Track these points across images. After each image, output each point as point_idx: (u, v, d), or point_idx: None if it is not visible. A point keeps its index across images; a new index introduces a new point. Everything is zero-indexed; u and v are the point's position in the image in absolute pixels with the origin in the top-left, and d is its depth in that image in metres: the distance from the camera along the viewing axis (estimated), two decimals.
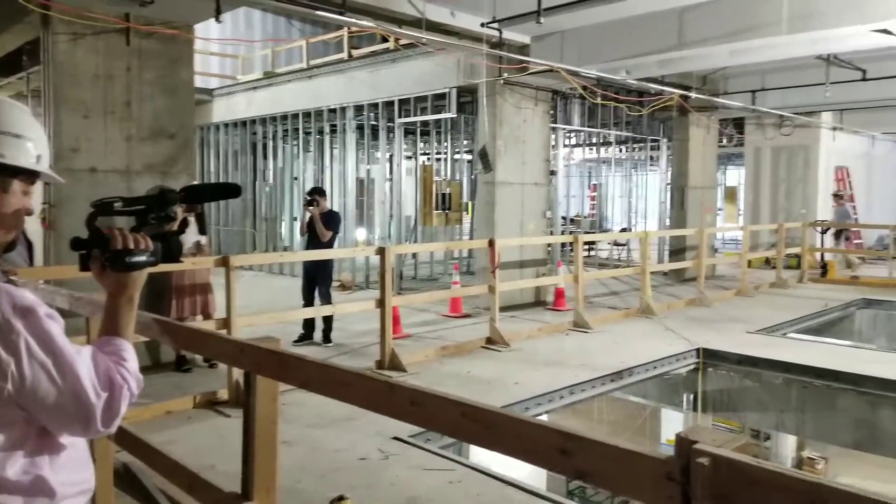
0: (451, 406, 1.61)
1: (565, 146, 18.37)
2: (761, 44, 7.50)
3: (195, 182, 7.89)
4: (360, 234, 13.55)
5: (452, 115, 10.94)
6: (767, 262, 14.92)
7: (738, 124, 17.10)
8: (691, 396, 7.99)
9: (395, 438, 4.77)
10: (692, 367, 7.47)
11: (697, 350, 7.53)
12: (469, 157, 15.42)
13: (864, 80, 11.36)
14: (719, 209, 23.16)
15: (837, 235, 15.38)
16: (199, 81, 12.30)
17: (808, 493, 1.01)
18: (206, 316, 6.56)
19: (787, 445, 12.81)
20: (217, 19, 6.28)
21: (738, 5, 7.37)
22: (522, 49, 9.29)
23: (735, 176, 26.50)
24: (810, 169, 16.32)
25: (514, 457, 1.49)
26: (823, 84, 11.09)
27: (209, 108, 15.40)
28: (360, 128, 12.82)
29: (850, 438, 6.89)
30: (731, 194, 25.43)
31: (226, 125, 15.24)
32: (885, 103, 13.75)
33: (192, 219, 6.67)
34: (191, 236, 6.63)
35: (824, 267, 14.25)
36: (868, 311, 11.53)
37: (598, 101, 10.91)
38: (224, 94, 15.31)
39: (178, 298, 6.48)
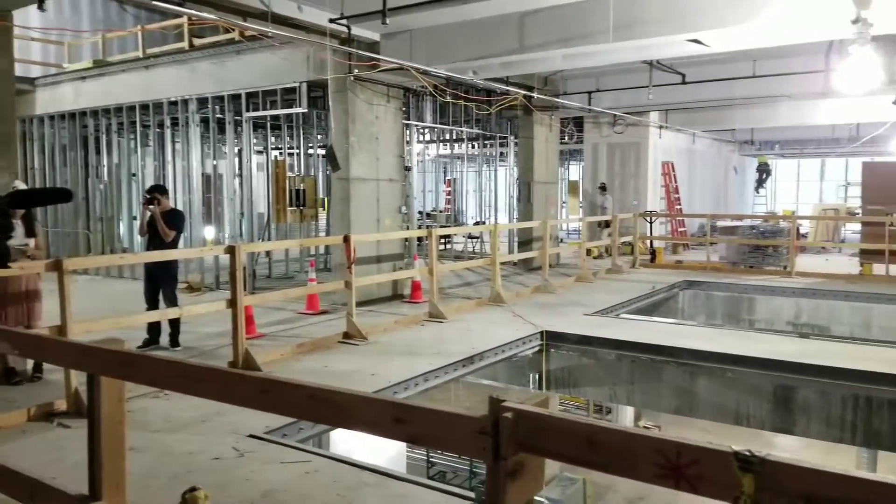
0: (298, 390, 1.74)
1: (419, 142, 18.75)
2: (592, 50, 8.16)
3: (18, 181, 7.29)
4: (209, 232, 13.06)
5: (303, 109, 10.85)
6: (606, 251, 16.18)
7: (578, 123, 18.34)
8: (536, 376, 8.56)
9: (251, 436, 4.77)
10: (537, 348, 8.02)
11: (542, 333, 8.10)
12: (323, 151, 15.33)
13: (683, 83, 12.64)
14: (563, 202, 24.66)
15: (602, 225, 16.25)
16: (19, 69, 11.30)
17: (586, 432, 1.26)
18: (29, 326, 6.09)
19: (626, 416, 13.96)
20: (40, 7, 5.86)
21: (571, 14, 7.97)
22: (372, 46, 9.42)
23: (576, 171, 28.30)
24: (641, 164, 17.85)
25: (358, 430, 1.65)
26: (647, 87, 12.23)
27: (31, 98, 14.16)
28: (204, 121, 12.35)
29: (672, 405, 7.70)
30: (573, 188, 27.11)
31: (51, 117, 14.07)
32: (702, 105, 15.33)
33: (17, 221, 6.18)
34: (17, 240, 6.14)
35: (653, 252, 15.68)
36: (690, 291, 12.84)
37: (448, 99, 11.29)
38: (48, 83, 14.12)
39: (1, 307, 6.01)
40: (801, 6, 6.90)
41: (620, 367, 7.80)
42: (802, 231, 19.60)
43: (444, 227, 17.79)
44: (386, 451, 6.54)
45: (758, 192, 29.11)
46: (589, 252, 13.40)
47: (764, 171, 28.19)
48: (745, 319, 12.50)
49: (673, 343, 7.61)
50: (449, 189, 26.64)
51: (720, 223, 17.92)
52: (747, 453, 1.26)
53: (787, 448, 13.95)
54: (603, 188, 17.38)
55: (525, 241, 14.45)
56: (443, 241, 17.11)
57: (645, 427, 14.00)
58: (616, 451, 1.28)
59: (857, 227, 18.58)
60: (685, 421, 8.39)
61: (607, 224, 15.57)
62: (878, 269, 12.85)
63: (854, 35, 6.66)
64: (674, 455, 1.27)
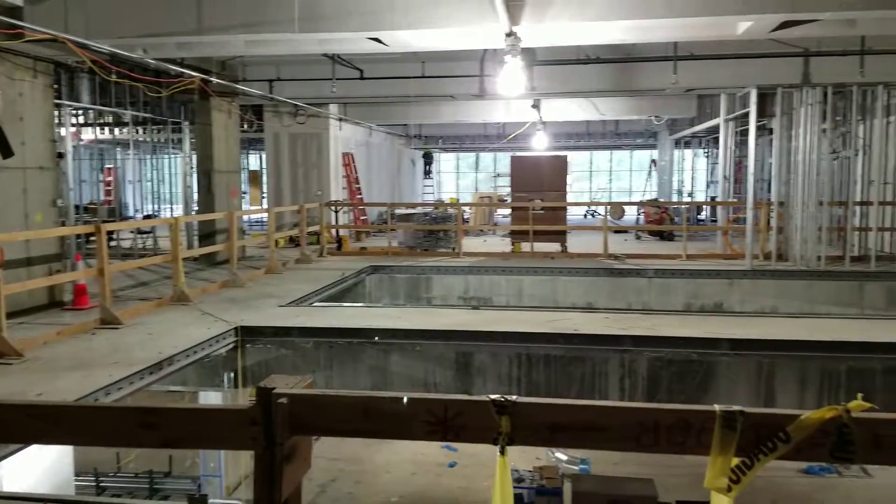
0: (14, 410, 1.50)
1: (73, 126, 16.57)
2: (276, 38, 8.11)
3: None
4: None
5: None
6: (292, 241, 16.25)
7: (258, 111, 18.01)
8: (232, 374, 8.29)
9: None
10: (231, 346, 7.77)
11: (235, 329, 7.86)
12: None
13: (362, 78, 13.26)
14: (244, 192, 24.05)
15: None
16: None
17: (362, 404, 1.35)
18: None
19: None
20: None
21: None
22: (13, 11, 8.06)
23: (256, 160, 27.79)
24: (323, 155, 18.25)
25: (92, 444, 1.48)
26: (331, 79, 12.57)
27: None
28: None
29: (369, 383, 8.12)
30: (254, 178, 26.58)
31: None
32: (379, 100, 16.25)
33: None
34: None
35: (339, 241, 16.22)
36: (375, 275, 13.59)
37: (113, 78, 10.20)
38: None
39: None
40: (464, 18, 7.77)
41: (319, 354, 7.97)
42: (465, 216, 22.05)
43: (108, 221, 16.04)
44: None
45: (428, 178, 31.95)
46: (276, 243, 13.33)
47: (428, 162, 31.15)
48: (424, 297, 13.65)
49: (366, 325, 8.02)
50: (109, 179, 23.98)
51: (397, 211, 19.27)
52: (502, 399, 1.49)
53: None
54: None
55: (207, 233, 13.79)
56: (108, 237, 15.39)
57: None
58: (391, 417, 1.39)
59: (508, 211, 21.58)
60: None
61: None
62: (525, 246, 15.11)
63: (507, 47, 7.74)
64: (442, 411, 1.43)
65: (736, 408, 1.52)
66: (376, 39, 8.28)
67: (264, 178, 24.21)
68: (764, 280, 12.49)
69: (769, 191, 14.37)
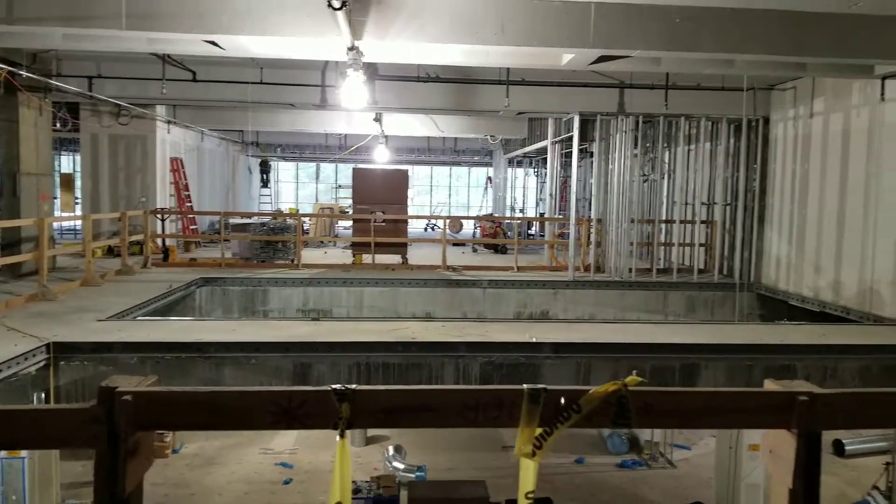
0: None
1: None
2: (98, 34, 7.61)
3: None
4: None
5: None
6: (111, 251, 15.13)
7: (73, 109, 16.59)
8: (42, 395, 7.61)
9: None
10: (42, 363, 7.14)
11: (47, 345, 7.23)
12: None
13: (194, 80, 12.70)
14: (55, 197, 21.97)
15: None
16: None
17: (208, 399, 1.39)
18: None
19: None
20: None
21: None
22: None
23: (69, 163, 25.51)
24: (148, 159, 17.19)
25: None
26: (159, 79, 11.92)
27: None
28: None
29: None
30: (66, 181, 24.36)
31: None
32: (211, 104, 15.63)
33: None
34: None
35: (166, 251, 15.34)
36: (207, 287, 13.02)
37: None
38: None
39: None
40: (306, 28, 7.78)
41: (145, 369, 7.52)
42: (305, 228, 21.76)
43: None
44: None
45: (265, 187, 31.11)
46: (93, 253, 12.35)
47: (265, 170, 30.36)
48: (260, 310, 13.31)
49: (197, 339, 7.70)
50: None
51: (232, 221, 18.60)
52: (342, 388, 1.59)
53: None
54: None
55: (11, 242, 12.43)
56: None
57: (158, 432, 13.66)
58: (236, 411, 1.44)
59: (348, 223, 21.57)
60: None
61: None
62: (367, 258, 15.23)
63: (350, 60, 7.85)
64: (286, 401, 1.51)
65: (540, 386, 1.79)
66: (213, 42, 8.05)
67: (78, 182, 22.30)
68: (584, 290, 13.61)
69: (590, 209, 15.66)
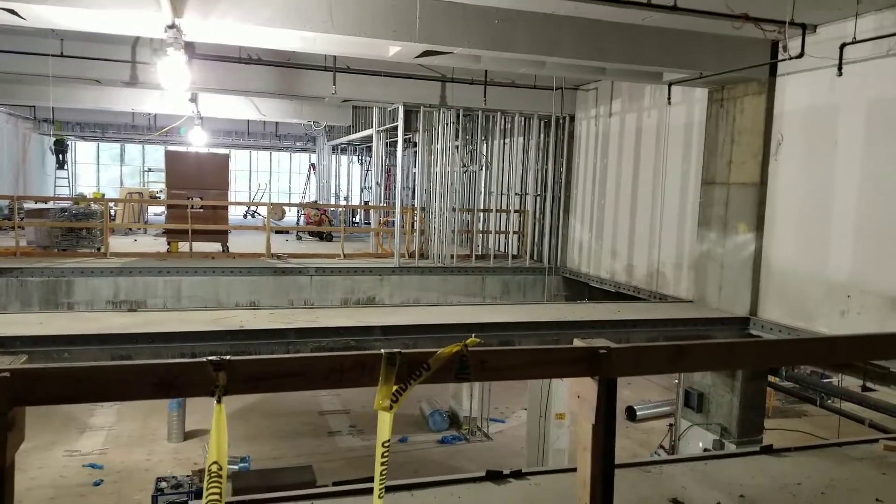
0: None
1: None
2: None
3: None
4: None
5: None
6: None
7: None
8: None
9: None
10: None
11: None
12: None
13: None
14: None
15: None
16: None
17: (87, 373, 1.50)
18: None
19: None
20: None
21: None
22: None
23: None
24: None
25: None
26: None
27: None
28: None
29: None
30: None
31: None
32: (2, 76, 14.07)
33: None
34: None
35: None
36: (1, 279, 11.82)
37: None
38: None
39: None
40: (121, 1, 7.38)
41: None
42: (112, 213, 20.23)
43: None
44: None
45: (62, 169, 28.36)
46: None
47: (61, 150, 27.67)
48: (64, 303, 12.31)
49: (2, 332, 7.11)
50: None
51: (26, 205, 16.83)
52: (217, 358, 1.76)
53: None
54: None
55: None
56: None
57: None
58: (115, 383, 1.55)
59: (160, 209, 20.36)
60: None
61: None
62: (184, 246, 14.59)
63: (170, 38, 7.56)
64: (163, 373, 1.64)
65: (396, 350, 2.10)
66: (11, 11, 7.35)
67: None
68: (409, 276, 14.17)
69: (414, 197, 16.23)
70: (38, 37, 11.96)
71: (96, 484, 11.91)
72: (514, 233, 16.02)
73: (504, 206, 15.89)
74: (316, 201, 27.87)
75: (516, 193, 15.85)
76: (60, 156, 27.79)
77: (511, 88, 14.60)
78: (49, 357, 7.12)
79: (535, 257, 15.93)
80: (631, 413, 15.73)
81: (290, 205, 27.67)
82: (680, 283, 11.90)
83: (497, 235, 16.33)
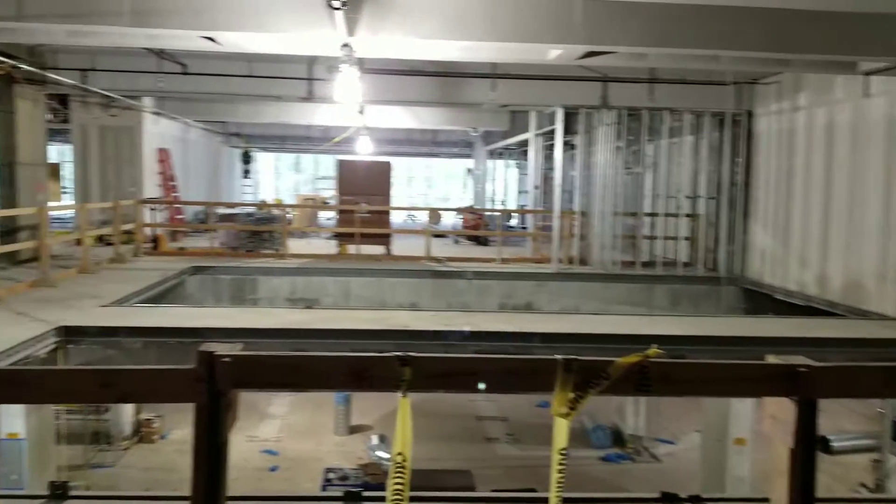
0: None
1: None
2: (102, 30, 7.78)
3: None
4: None
5: None
6: (101, 240, 15.21)
7: (63, 100, 16.61)
8: None
9: None
10: (52, 346, 7.36)
11: (57, 329, 7.45)
12: None
13: (184, 73, 12.84)
14: None
15: None
16: None
17: (292, 361, 1.69)
18: None
19: (126, 413, 13.56)
20: None
21: None
22: None
23: (56, 153, 25.37)
24: (136, 149, 17.27)
25: (55, 403, 1.69)
26: (150, 72, 12.06)
27: None
28: None
29: None
30: (54, 171, 24.25)
31: None
32: (199, 96, 15.74)
33: None
34: None
35: (155, 240, 15.47)
36: (197, 277, 13.20)
37: None
38: None
39: None
40: (301, 24, 8.00)
41: (148, 353, 7.76)
42: (288, 217, 21.88)
43: None
44: None
45: (247, 178, 31.13)
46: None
47: (247, 161, 30.36)
48: (249, 299, 13.50)
49: (199, 324, 7.96)
50: None
51: (218, 210, 18.73)
52: (404, 355, 1.91)
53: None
54: None
55: (9, 230, 12.53)
56: None
57: (146, 419, 13.88)
58: (315, 373, 1.75)
59: (331, 214, 21.75)
60: None
61: None
62: (352, 248, 15.47)
63: (343, 56, 8.10)
64: (357, 365, 1.82)
65: (572, 356, 2.11)
66: (210, 38, 8.24)
67: (66, 172, 22.24)
68: (568, 282, 13.83)
69: (573, 201, 15.91)
70: (229, 60, 13.24)
71: (272, 469, 12.78)
72: (685, 238, 14.95)
73: (672, 210, 14.92)
74: (472, 206, 28.38)
75: (686, 196, 14.83)
76: (246, 166, 30.57)
77: (679, 85, 13.82)
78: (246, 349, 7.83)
79: (709, 265, 14.71)
80: (825, 444, 13.83)
81: (447, 210, 28.38)
82: (885, 297, 10.48)
83: (665, 241, 15.24)
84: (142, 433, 13.47)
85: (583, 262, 14.55)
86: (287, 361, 1.87)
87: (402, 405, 1.98)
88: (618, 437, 14.15)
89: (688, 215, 14.93)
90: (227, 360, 1.84)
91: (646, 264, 14.62)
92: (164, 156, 19.10)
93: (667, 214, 14.99)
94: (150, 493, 3.31)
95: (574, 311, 12.70)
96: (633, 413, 13.88)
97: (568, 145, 17.52)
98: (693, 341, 8.41)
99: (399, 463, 2.07)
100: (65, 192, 23.20)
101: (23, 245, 11.48)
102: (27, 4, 7.27)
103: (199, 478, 1.81)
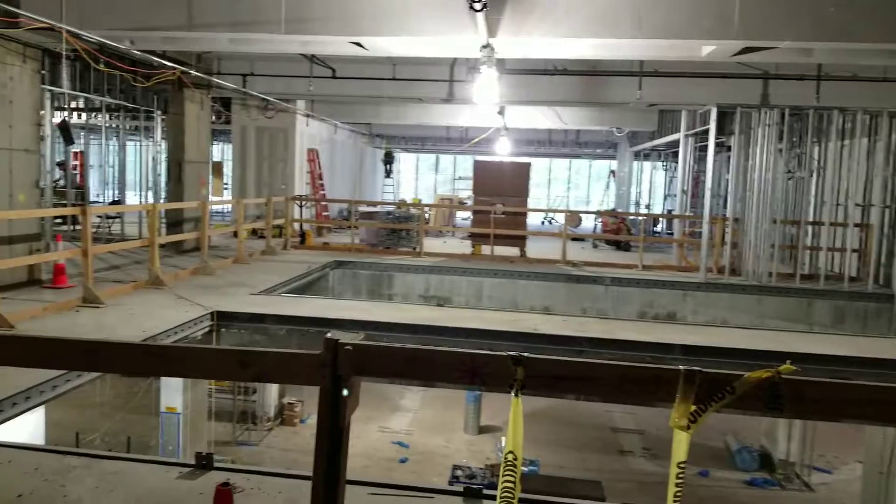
0: (131, 349, 1.82)
1: (58, 109, 16.39)
2: (260, 38, 8.34)
3: None
4: None
5: None
6: (254, 233, 16.36)
7: (225, 103, 18.06)
8: None
9: None
10: (207, 329, 7.99)
11: (212, 313, 8.08)
12: None
13: (333, 77, 13.51)
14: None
15: None
16: None
17: (408, 354, 1.70)
18: None
19: (271, 396, 14.38)
20: None
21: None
22: None
23: (219, 151, 27.67)
24: (288, 149, 18.40)
25: (199, 377, 1.82)
26: (302, 76, 12.81)
27: None
28: None
29: None
30: (217, 169, 26.43)
31: None
32: (346, 99, 16.50)
33: None
34: None
35: (303, 235, 16.40)
36: (338, 270, 13.83)
37: (101, 67, 10.26)
38: None
39: None
40: (443, 28, 8.12)
41: (290, 340, 8.21)
42: (426, 217, 22.38)
43: (95, 203, 15.90)
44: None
45: (388, 177, 32.22)
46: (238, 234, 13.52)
47: (389, 161, 31.41)
48: (385, 294, 13.94)
49: (337, 316, 8.29)
50: (75, 163, 23.64)
51: (360, 208, 19.55)
52: (517, 354, 1.87)
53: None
54: None
55: (175, 221, 13.83)
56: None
57: (289, 403, 14.64)
58: (431, 365, 1.78)
59: (466, 214, 22.00)
60: None
61: None
62: (486, 249, 15.54)
63: (483, 57, 8.12)
64: (472, 361, 1.81)
65: (696, 368, 1.95)
66: (357, 44, 8.58)
67: (227, 170, 24.16)
68: (717, 293, 12.81)
69: (725, 206, 14.92)
70: (375, 64, 13.75)
71: (402, 461, 13.11)
72: (853, 251, 13.52)
73: (840, 219, 13.52)
74: (614, 209, 27.57)
75: (857, 204, 13.40)
76: (388, 166, 31.68)
77: (851, 82, 12.58)
78: (372, 340, 8.11)
79: (882, 282, 13.17)
80: None
81: (586, 212, 27.75)
82: None
83: (829, 253, 13.85)
84: (284, 416, 14.33)
85: (734, 272, 13.56)
86: (403, 353, 1.91)
87: (514, 405, 1.92)
88: (766, 461, 13.15)
89: (857, 225, 13.46)
90: (348, 347, 1.92)
91: (806, 277, 13.34)
92: (312, 156, 20.21)
93: (833, 224, 13.55)
94: (281, 471, 3.46)
95: (722, 324, 11.86)
96: (784, 437, 12.80)
97: (721, 146, 16.40)
98: (858, 363, 7.59)
99: (510, 462, 2.02)
100: (225, 188, 25.21)
101: (186, 236, 12.62)
102: (195, 15, 7.96)
103: (321, 456, 1.92)
